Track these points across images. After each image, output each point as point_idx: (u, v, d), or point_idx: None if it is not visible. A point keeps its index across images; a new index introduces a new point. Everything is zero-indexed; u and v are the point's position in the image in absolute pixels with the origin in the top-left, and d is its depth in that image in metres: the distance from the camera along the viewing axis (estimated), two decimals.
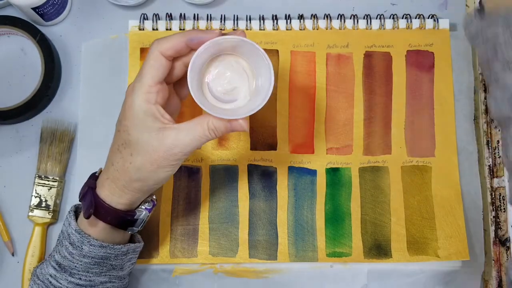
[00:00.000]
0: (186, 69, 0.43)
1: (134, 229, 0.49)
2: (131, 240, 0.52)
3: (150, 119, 0.43)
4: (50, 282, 0.48)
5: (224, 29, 0.61)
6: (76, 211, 0.50)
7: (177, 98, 0.49)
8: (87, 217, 0.46)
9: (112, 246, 0.48)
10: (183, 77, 0.47)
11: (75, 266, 0.47)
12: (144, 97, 0.43)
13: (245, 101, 0.45)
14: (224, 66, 0.45)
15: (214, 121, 0.42)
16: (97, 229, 0.47)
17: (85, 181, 0.49)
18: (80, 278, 0.48)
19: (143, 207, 0.49)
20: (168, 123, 0.43)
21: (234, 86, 0.45)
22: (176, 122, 0.44)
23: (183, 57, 0.45)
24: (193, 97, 0.41)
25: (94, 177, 0.49)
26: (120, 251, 0.49)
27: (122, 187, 0.46)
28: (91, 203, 0.46)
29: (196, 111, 0.60)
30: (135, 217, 0.48)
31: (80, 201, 0.49)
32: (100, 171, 0.49)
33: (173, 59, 0.44)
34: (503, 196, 0.58)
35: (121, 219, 0.47)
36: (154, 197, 0.51)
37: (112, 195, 0.46)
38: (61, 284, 0.48)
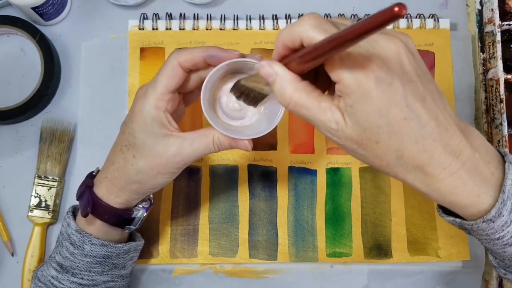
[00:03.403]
0: (200, 82, 0.44)
1: (131, 227, 0.50)
2: (131, 238, 0.53)
3: (158, 126, 0.43)
4: (52, 284, 0.48)
5: (224, 29, 0.61)
6: (73, 212, 0.50)
7: (183, 104, 0.49)
8: (85, 216, 0.47)
9: (113, 245, 0.48)
10: (195, 86, 0.47)
11: (77, 266, 0.48)
12: (155, 103, 0.43)
13: (251, 121, 0.46)
14: None
15: (220, 136, 0.43)
16: (94, 227, 0.48)
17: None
18: (83, 278, 0.48)
19: (140, 206, 0.49)
20: (175, 130, 0.44)
21: (243, 105, 0.45)
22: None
23: (199, 71, 0.45)
24: (204, 113, 0.42)
25: (91, 176, 0.49)
26: (122, 249, 0.49)
27: (120, 187, 0.46)
28: (89, 202, 0.46)
29: (196, 115, 0.59)
30: (132, 216, 0.49)
31: (77, 199, 0.49)
32: (97, 170, 0.50)
33: (189, 71, 0.45)
34: None
35: (119, 218, 0.48)
36: (151, 196, 0.51)
37: (109, 194, 0.46)
38: (63, 285, 0.48)
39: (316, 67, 0.35)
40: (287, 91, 0.35)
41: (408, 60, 0.33)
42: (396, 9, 0.25)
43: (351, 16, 0.62)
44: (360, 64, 0.32)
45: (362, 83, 0.32)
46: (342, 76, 0.33)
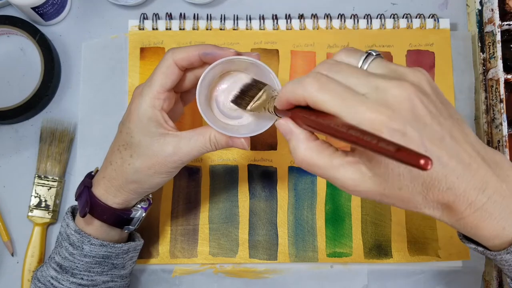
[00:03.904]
0: (196, 81, 0.43)
1: (130, 227, 0.50)
2: (131, 238, 0.53)
3: (154, 125, 0.43)
4: (52, 284, 0.48)
5: (224, 29, 0.61)
6: (73, 212, 0.50)
7: (181, 103, 0.49)
8: (83, 216, 0.47)
9: (113, 245, 0.48)
10: (191, 85, 0.47)
11: (77, 267, 0.48)
12: (151, 102, 0.43)
13: (249, 120, 0.46)
14: (233, 82, 0.46)
15: (217, 134, 0.43)
16: (93, 228, 0.48)
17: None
18: (82, 278, 0.48)
19: (139, 206, 0.49)
20: (171, 129, 0.44)
21: None
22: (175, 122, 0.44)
23: (195, 69, 0.45)
24: (200, 110, 0.42)
25: (90, 176, 0.49)
26: (121, 249, 0.49)
27: (118, 187, 0.46)
28: (87, 202, 0.46)
29: (196, 115, 0.59)
30: (131, 216, 0.49)
31: (76, 200, 0.49)
32: (96, 170, 0.50)
33: (185, 69, 0.45)
34: None
35: (117, 218, 0.48)
36: (150, 196, 0.51)
37: (108, 194, 0.46)
38: (63, 285, 0.48)
39: None
40: (300, 151, 0.35)
41: (421, 103, 0.32)
42: (422, 162, 0.25)
43: (351, 16, 0.62)
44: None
45: None
46: None
